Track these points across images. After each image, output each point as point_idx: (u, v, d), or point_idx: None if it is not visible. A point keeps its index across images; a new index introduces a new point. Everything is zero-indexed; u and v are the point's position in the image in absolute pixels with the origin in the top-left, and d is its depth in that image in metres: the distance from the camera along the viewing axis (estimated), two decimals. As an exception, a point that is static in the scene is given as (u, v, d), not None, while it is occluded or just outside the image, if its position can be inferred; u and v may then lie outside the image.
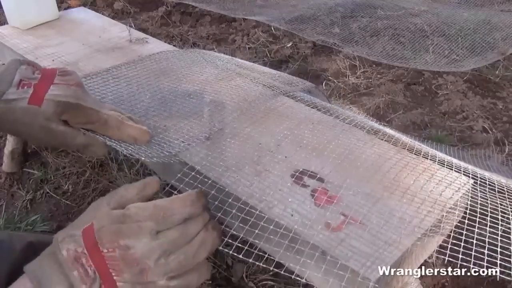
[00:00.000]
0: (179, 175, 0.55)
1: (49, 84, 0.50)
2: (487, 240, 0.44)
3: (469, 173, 0.58)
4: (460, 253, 0.44)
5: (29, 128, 0.49)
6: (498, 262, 0.42)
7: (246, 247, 0.45)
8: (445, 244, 0.46)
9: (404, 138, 0.68)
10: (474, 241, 0.44)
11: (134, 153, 0.52)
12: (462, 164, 0.62)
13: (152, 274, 0.36)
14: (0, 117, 0.49)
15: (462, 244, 0.44)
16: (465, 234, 0.46)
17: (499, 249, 0.43)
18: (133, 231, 0.37)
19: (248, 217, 0.49)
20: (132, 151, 0.52)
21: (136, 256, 0.36)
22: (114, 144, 0.53)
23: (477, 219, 0.48)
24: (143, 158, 0.52)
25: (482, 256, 0.43)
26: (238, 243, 0.44)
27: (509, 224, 0.47)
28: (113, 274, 0.36)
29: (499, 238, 0.45)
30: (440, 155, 0.64)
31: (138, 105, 0.69)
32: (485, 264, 0.42)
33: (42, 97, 0.49)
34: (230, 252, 0.43)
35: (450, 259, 0.43)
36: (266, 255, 0.49)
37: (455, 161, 0.63)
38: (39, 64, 0.54)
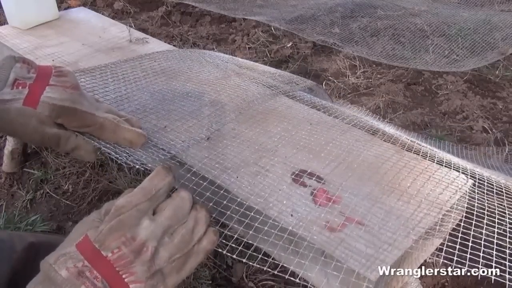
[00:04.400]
0: (181, 181, 0.55)
1: (45, 85, 0.49)
2: (482, 242, 0.44)
3: (468, 173, 0.58)
4: (456, 255, 0.44)
5: (23, 128, 0.48)
6: (494, 264, 0.42)
7: (244, 249, 0.45)
8: (446, 244, 0.46)
9: (405, 136, 0.68)
10: (470, 242, 0.44)
11: (129, 161, 0.52)
12: (461, 162, 0.62)
13: (159, 259, 0.37)
14: None
15: (458, 246, 0.44)
16: (465, 234, 0.46)
17: (494, 252, 0.43)
18: (133, 218, 0.38)
19: (247, 217, 0.49)
20: (126, 159, 0.52)
21: (144, 239, 0.37)
22: (109, 151, 0.52)
23: (474, 220, 0.48)
24: (137, 166, 0.51)
25: (481, 257, 0.43)
26: (237, 243, 0.44)
27: (508, 224, 0.47)
28: (124, 276, 0.35)
29: (495, 239, 0.45)
30: (440, 154, 0.64)
31: (135, 101, 0.69)
32: (480, 264, 0.42)
33: (38, 99, 0.48)
34: (234, 256, 0.43)
35: (448, 260, 0.44)
36: (261, 255, 0.49)
37: (454, 160, 0.63)
38: (34, 62, 0.53)
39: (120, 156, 0.52)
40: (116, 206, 0.38)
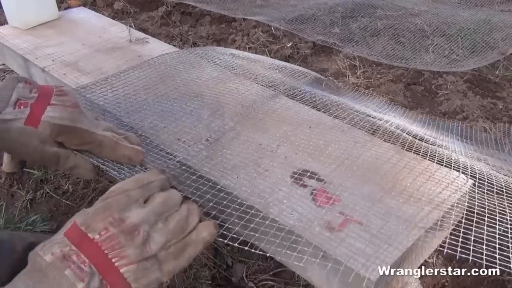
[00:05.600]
0: (182, 186, 0.55)
1: (46, 104, 0.50)
2: (484, 240, 0.44)
3: (469, 172, 0.58)
4: (456, 255, 0.44)
5: (24, 148, 0.49)
6: (497, 262, 0.42)
7: (245, 249, 0.45)
8: (446, 244, 0.46)
9: (409, 126, 0.68)
10: (472, 241, 0.44)
11: (127, 177, 0.53)
12: (462, 158, 0.62)
13: (154, 244, 0.36)
14: None
15: (460, 244, 0.44)
16: (465, 234, 0.46)
17: (497, 250, 0.43)
18: (122, 201, 0.37)
19: (248, 218, 0.49)
20: (125, 176, 0.52)
21: (135, 222, 0.35)
22: (108, 168, 0.53)
23: (475, 219, 0.48)
24: None
25: (482, 256, 0.43)
26: (237, 243, 0.44)
27: (508, 223, 0.47)
28: (113, 260, 0.34)
29: (497, 237, 0.45)
30: (441, 150, 0.64)
31: (135, 115, 0.69)
32: (484, 263, 0.42)
33: (39, 118, 0.49)
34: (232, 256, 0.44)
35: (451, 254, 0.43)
36: (259, 252, 0.49)
37: (455, 156, 0.63)
38: (36, 82, 0.54)
39: (119, 174, 0.52)
40: (107, 193, 0.38)
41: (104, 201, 0.36)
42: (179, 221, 0.38)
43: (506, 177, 0.58)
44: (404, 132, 0.67)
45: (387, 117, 0.74)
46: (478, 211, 0.49)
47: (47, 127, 0.49)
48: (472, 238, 0.45)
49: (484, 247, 0.43)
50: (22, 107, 0.50)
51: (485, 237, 0.44)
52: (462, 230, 0.47)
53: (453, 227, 0.52)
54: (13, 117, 0.49)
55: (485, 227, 0.46)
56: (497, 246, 0.44)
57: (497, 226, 0.47)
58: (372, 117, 0.72)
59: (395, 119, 0.73)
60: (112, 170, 0.53)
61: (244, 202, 0.52)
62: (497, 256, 0.42)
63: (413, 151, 0.63)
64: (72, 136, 0.51)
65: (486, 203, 0.51)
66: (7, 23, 1.15)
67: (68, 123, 0.50)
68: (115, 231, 0.34)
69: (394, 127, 0.68)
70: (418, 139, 0.66)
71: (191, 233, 0.39)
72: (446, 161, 0.61)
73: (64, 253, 0.33)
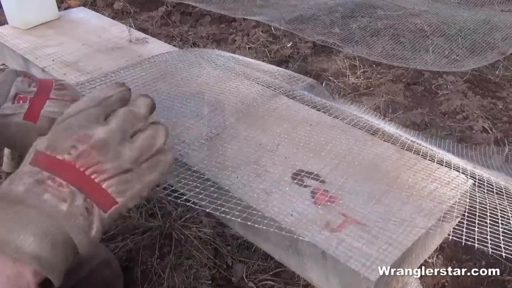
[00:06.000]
0: (182, 181, 0.55)
1: (45, 98, 0.50)
2: (489, 241, 0.44)
3: (468, 173, 0.58)
4: (456, 255, 0.44)
5: (23, 142, 0.49)
6: (504, 254, 0.42)
7: (245, 249, 0.45)
8: (446, 244, 0.46)
9: (405, 135, 0.68)
10: (476, 241, 0.44)
11: None
12: (461, 163, 0.62)
13: (128, 159, 0.33)
14: None
15: (458, 245, 0.44)
16: (465, 233, 0.46)
17: (503, 248, 0.43)
18: (82, 119, 0.33)
19: (248, 217, 0.49)
20: None
21: (103, 137, 0.32)
22: None
23: (476, 219, 0.48)
24: None
25: (482, 255, 0.43)
26: (238, 243, 0.44)
27: (508, 223, 0.47)
28: (93, 176, 0.31)
29: (500, 237, 0.45)
30: (440, 154, 0.64)
31: None
32: (481, 264, 0.42)
33: (38, 113, 0.49)
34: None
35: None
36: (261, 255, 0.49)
37: (454, 160, 0.63)
38: (35, 76, 0.54)
39: None
40: (63, 115, 0.35)
41: (62, 123, 0.33)
42: (146, 138, 0.35)
43: (505, 182, 0.58)
44: (402, 136, 0.67)
45: (383, 125, 0.74)
46: (478, 211, 0.49)
47: (46, 122, 0.49)
48: (476, 230, 0.45)
49: (489, 237, 0.43)
50: (21, 101, 0.49)
51: (488, 232, 0.44)
52: (465, 225, 0.47)
53: (454, 226, 0.52)
54: (12, 111, 0.49)
55: (488, 223, 0.46)
56: (501, 237, 0.44)
57: (500, 223, 0.47)
58: (371, 121, 0.72)
59: (391, 127, 0.74)
60: None
61: (244, 201, 0.52)
62: (502, 246, 0.42)
63: (413, 151, 0.63)
64: None
65: (487, 201, 0.51)
66: (7, 23, 1.15)
67: None
68: (86, 147, 0.32)
69: (392, 132, 0.69)
70: (417, 144, 0.66)
71: (159, 154, 0.36)
72: (446, 162, 0.61)
73: (37, 179, 0.31)
